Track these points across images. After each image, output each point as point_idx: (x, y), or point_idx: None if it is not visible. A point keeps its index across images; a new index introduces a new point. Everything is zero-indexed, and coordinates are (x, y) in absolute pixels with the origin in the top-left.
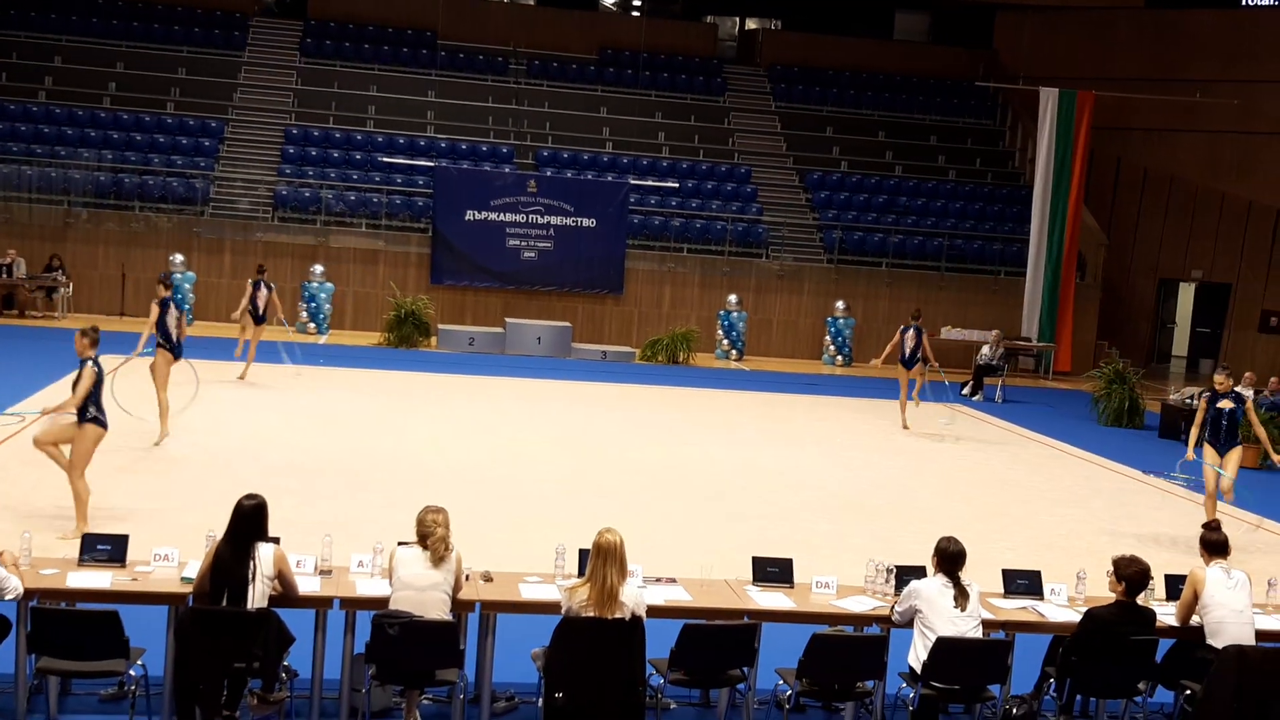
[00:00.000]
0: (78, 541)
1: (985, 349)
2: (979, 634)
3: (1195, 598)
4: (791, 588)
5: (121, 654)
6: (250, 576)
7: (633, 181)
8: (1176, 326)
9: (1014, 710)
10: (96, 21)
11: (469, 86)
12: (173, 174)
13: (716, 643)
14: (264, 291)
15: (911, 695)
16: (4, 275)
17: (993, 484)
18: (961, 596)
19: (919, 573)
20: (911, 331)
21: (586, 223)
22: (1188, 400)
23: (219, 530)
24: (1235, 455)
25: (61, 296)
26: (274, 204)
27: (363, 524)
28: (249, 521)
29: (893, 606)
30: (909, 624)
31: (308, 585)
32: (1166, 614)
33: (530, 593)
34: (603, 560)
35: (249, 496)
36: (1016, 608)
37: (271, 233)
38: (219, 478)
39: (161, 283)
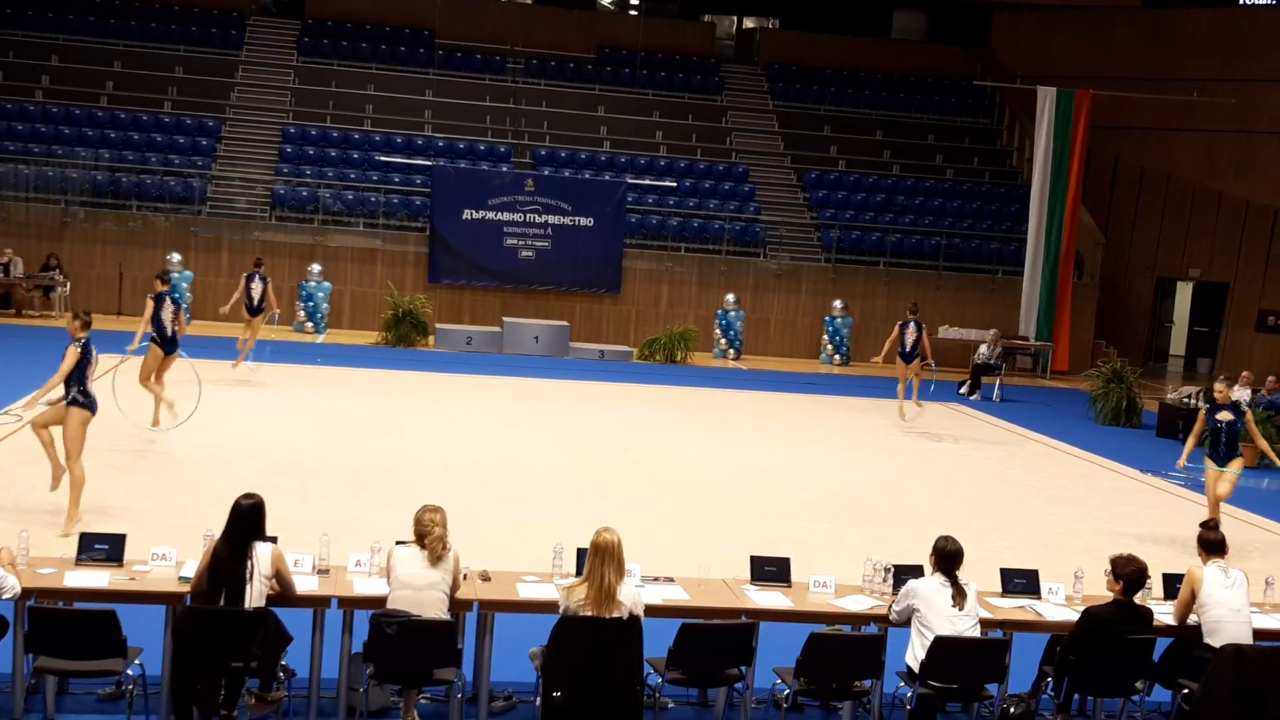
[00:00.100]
0: (74, 534)
1: (983, 348)
2: (976, 633)
3: (1193, 597)
4: (789, 587)
5: (119, 653)
6: (248, 576)
7: (630, 181)
8: (1174, 325)
9: (1011, 709)
10: (93, 20)
11: (466, 85)
12: (170, 173)
13: (714, 642)
14: (258, 284)
15: (909, 694)
16: (1, 274)
17: (990, 483)
18: (959, 596)
19: (917, 572)
20: (912, 325)
21: (584, 222)
22: (1185, 399)
23: (217, 529)
24: (1235, 467)
25: (59, 296)
26: (271, 203)
27: (360, 523)
28: (247, 521)
29: (890, 606)
30: (906, 623)
31: (305, 584)
32: (1164, 613)
33: (528, 592)
34: (600, 559)
35: (247, 496)
36: (1014, 607)
37: (269, 232)
38: (217, 477)
39: (159, 278)
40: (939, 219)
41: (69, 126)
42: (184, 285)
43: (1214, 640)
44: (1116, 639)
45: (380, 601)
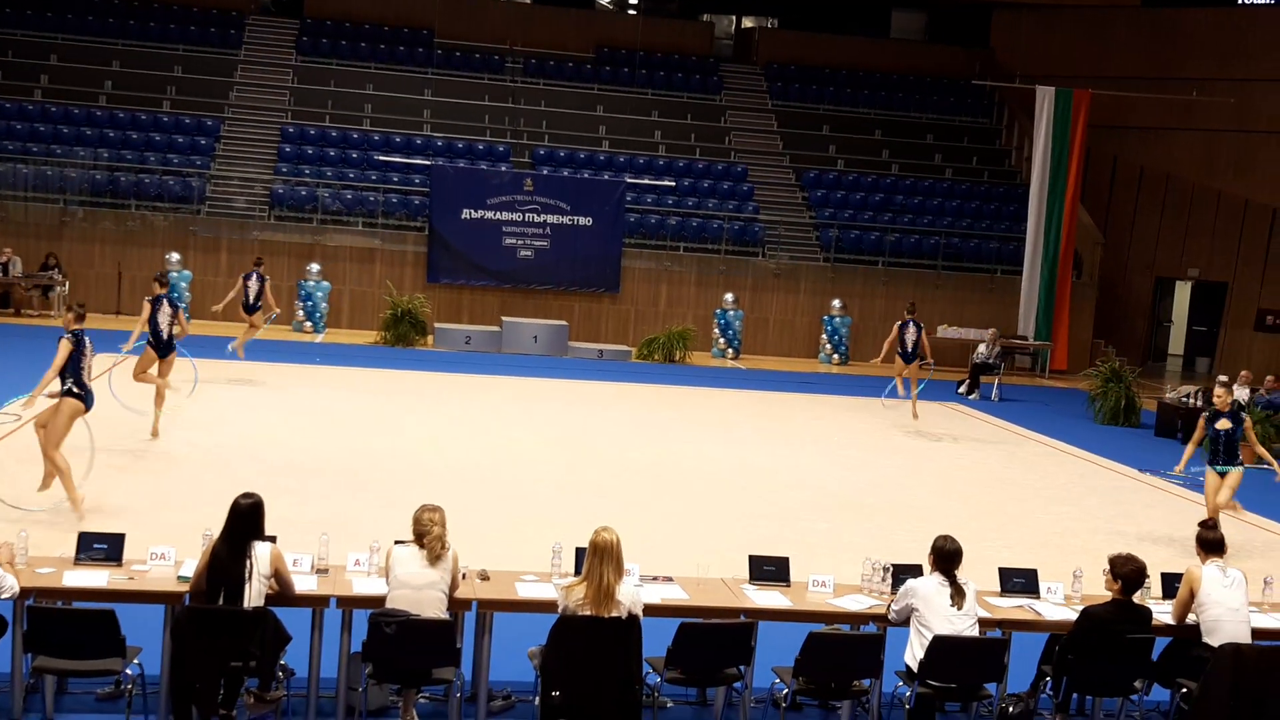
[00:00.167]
0: (76, 524)
1: (981, 347)
2: (975, 632)
3: (1191, 596)
4: (788, 586)
5: (118, 653)
6: (247, 575)
7: (629, 180)
8: (1173, 325)
9: (1010, 709)
10: (92, 20)
11: (465, 85)
12: (169, 173)
13: (713, 641)
14: (255, 283)
15: (908, 694)
16: (0, 274)
17: (989, 483)
18: (958, 595)
19: (915, 571)
20: (911, 325)
21: (583, 221)
22: (1184, 399)
23: (216, 529)
24: (1235, 476)
25: (57, 295)
26: (270, 203)
27: (359, 523)
28: (246, 520)
29: (889, 605)
30: (905, 622)
31: (304, 584)
32: (1163, 612)
33: (527, 591)
34: (599, 559)
35: (246, 495)
36: (1013, 606)
37: (268, 231)
38: (216, 476)
39: (157, 280)
40: (938, 218)
41: (68, 126)
42: (183, 285)
43: (1213, 640)
44: (1115, 638)
45: (379, 601)
